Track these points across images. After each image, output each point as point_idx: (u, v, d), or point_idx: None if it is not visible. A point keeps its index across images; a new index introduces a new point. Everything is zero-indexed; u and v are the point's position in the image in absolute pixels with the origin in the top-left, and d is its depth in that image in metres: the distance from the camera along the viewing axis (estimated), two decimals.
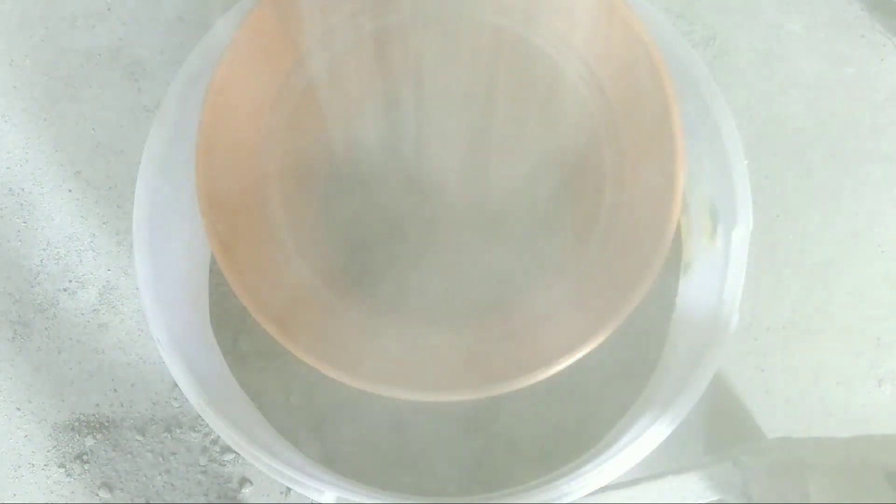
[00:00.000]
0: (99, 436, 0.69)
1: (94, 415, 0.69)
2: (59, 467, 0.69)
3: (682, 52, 0.55)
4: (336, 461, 0.64)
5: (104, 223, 0.73)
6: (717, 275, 0.55)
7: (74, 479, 0.69)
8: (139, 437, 0.69)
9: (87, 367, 0.70)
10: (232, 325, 0.67)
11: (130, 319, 0.71)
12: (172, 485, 0.68)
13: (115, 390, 0.70)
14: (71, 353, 0.70)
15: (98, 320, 0.71)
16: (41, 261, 0.72)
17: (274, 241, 0.57)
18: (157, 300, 0.53)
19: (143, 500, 0.68)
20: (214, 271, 0.66)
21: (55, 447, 0.69)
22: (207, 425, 0.61)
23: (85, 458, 0.69)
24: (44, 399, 0.70)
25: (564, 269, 0.62)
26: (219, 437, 0.66)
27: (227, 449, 0.68)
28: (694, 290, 0.62)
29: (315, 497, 0.50)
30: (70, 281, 0.72)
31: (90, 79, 0.75)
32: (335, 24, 0.58)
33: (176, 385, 0.64)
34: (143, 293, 0.53)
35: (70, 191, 0.73)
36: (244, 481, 0.67)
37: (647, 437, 0.50)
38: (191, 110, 0.53)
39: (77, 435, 0.69)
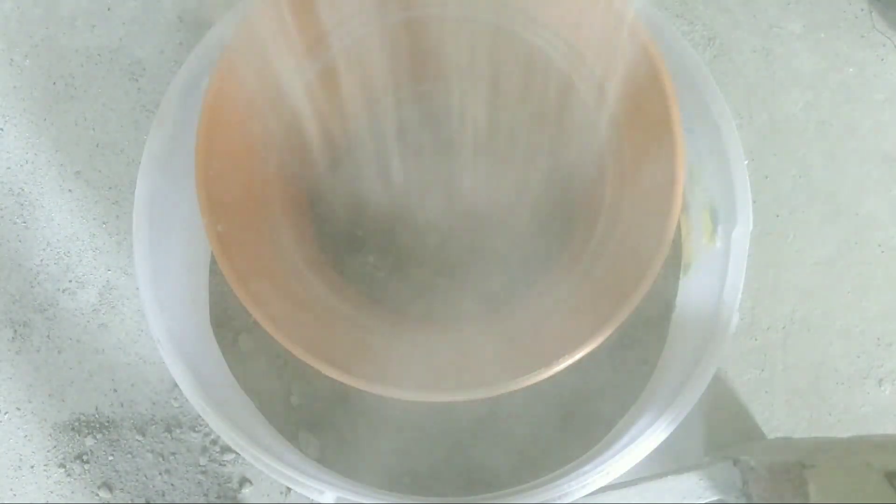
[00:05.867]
0: (99, 436, 0.69)
1: (94, 415, 0.69)
2: (59, 467, 0.69)
3: (682, 52, 0.55)
4: (336, 461, 0.64)
5: (104, 223, 0.73)
6: (717, 275, 0.55)
7: (74, 479, 0.69)
8: (139, 437, 0.69)
9: (87, 367, 0.70)
10: (232, 325, 0.67)
11: (130, 319, 0.71)
12: (172, 485, 0.68)
13: (115, 390, 0.70)
14: (71, 353, 0.70)
15: (98, 320, 0.71)
16: (41, 261, 0.72)
17: (274, 241, 0.57)
18: (157, 300, 0.53)
19: (143, 500, 0.68)
20: (214, 271, 0.66)
21: (55, 447, 0.69)
22: (207, 425, 0.61)
23: (85, 458, 0.69)
24: (44, 399, 0.70)
25: (565, 269, 0.62)
26: (219, 437, 0.66)
27: (227, 449, 0.68)
28: (694, 290, 0.62)
29: (315, 497, 0.50)
30: (70, 281, 0.72)
31: (90, 79, 0.75)
32: (333, 26, 0.58)
33: (176, 385, 0.64)
34: (143, 293, 0.53)
35: (70, 191, 0.73)
36: (244, 481, 0.67)
37: (647, 437, 0.50)
38: (191, 110, 0.53)
39: (77, 435, 0.69)
